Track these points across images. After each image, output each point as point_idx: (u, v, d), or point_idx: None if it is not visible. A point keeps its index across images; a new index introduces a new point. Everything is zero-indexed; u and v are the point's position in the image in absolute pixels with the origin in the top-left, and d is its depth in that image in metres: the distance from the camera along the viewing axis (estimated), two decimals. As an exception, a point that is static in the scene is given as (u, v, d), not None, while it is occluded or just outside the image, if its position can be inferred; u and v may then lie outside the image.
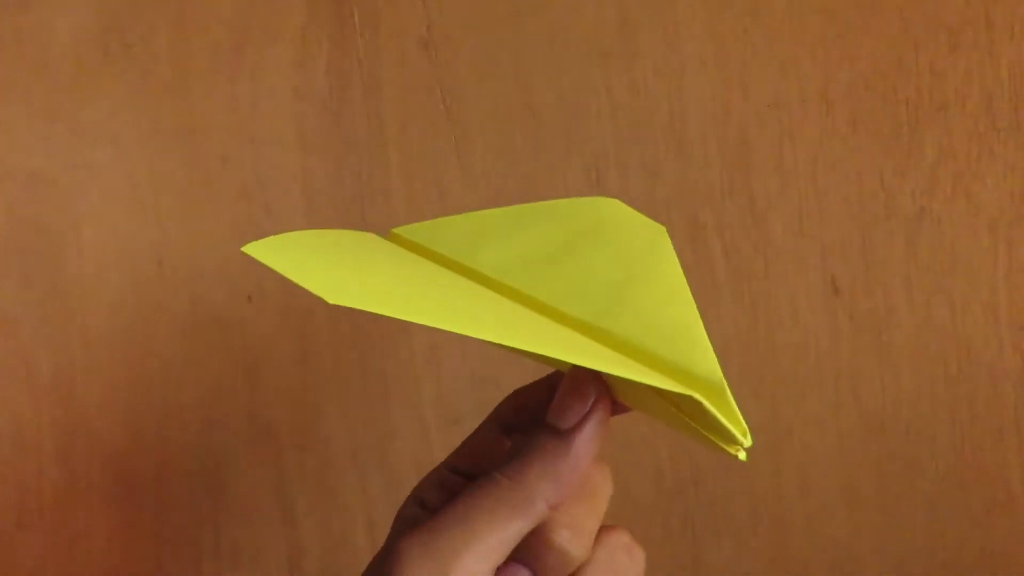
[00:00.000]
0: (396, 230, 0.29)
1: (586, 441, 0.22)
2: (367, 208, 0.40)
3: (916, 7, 0.39)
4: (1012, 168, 0.39)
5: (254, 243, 0.23)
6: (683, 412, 0.22)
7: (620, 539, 0.23)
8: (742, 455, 0.21)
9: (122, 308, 0.40)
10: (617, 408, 0.24)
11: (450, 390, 0.40)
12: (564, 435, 0.22)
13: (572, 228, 0.26)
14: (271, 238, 0.24)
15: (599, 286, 0.24)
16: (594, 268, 0.24)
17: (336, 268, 0.23)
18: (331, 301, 0.19)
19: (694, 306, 0.23)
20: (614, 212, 0.27)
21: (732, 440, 0.21)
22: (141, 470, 0.40)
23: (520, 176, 0.40)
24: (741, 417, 0.21)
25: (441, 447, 0.41)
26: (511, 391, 0.27)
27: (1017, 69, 0.39)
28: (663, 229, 0.25)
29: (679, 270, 0.24)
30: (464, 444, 0.26)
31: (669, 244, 0.25)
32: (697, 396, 0.20)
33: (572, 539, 0.22)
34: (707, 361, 0.21)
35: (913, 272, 0.40)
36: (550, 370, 0.27)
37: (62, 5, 0.40)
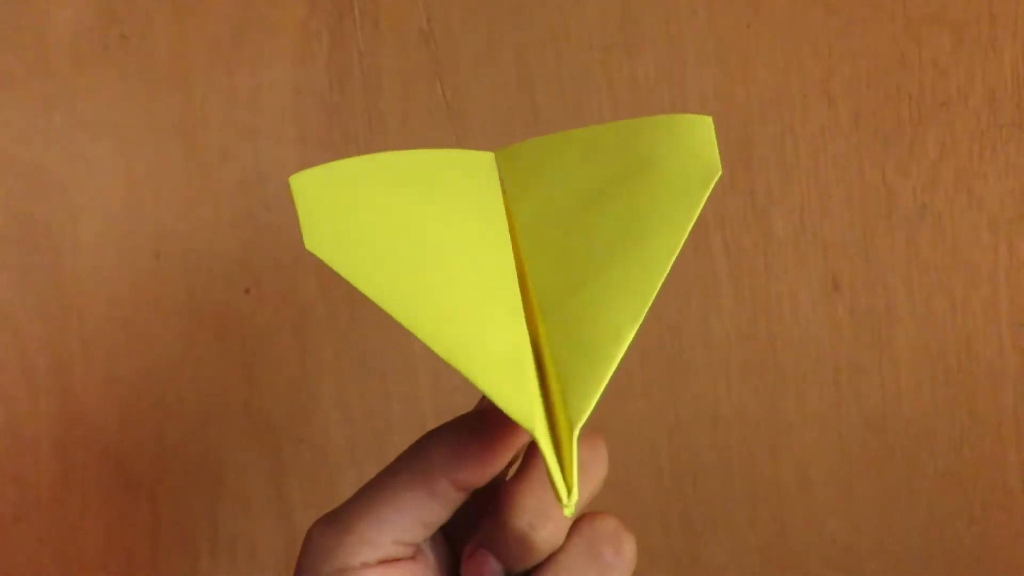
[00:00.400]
0: (500, 152, 0.27)
1: (486, 412, 0.21)
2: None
3: (919, 3, 0.39)
4: (1014, 165, 0.39)
5: (303, 173, 0.22)
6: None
7: (604, 526, 0.21)
8: (567, 512, 0.18)
9: (119, 301, 0.40)
10: None
11: (448, 384, 0.40)
12: (480, 412, 0.21)
13: (621, 164, 0.24)
14: (330, 166, 0.23)
15: (579, 258, 0.22)
16: (597, 230, 0.22)
17: (347, 213, 0.22)
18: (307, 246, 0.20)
19: (645, 306, 0.20)
20: (683, 139, 0.23)
21: (556, 492, 0.18)
22: (138, 463, 0.40)
23: (520, 171, 0.40)
24: (574, 472, 0.18)
25: (439, 442, 0.41)
26: None
27: (1021, 65, 0.39)
28: (713, 175, 0.23)
29: (678, 241, 0.22)
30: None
31: (702, 198, 0.22)
32: (536, 437, 0.18)
33: (535, 526, 0.20)
34: (586, 392, 0.18)
35: (914, 269, 0.39)
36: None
37: (61, -4, 0.40)
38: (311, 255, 0.41)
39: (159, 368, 0.40)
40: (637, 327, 0.20)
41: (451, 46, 0.40)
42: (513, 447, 0.21)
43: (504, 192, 0.26)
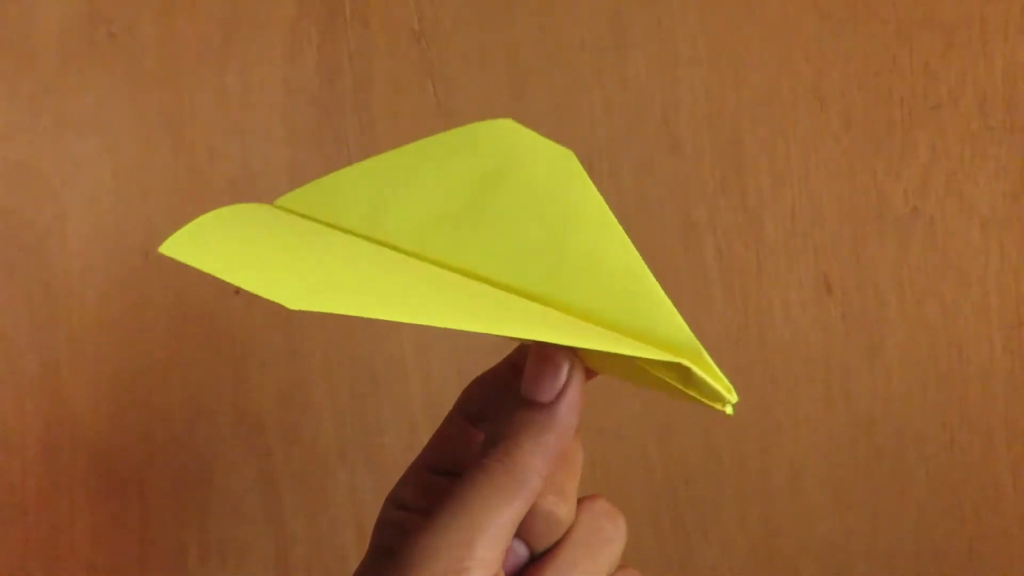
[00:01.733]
0: (280, 201, 0.26)
1: (570, 408, 0.22)
2: (357, 202, 0.40)
3: (911, 6, 0.39)
4: (1005, 168, 0.39)
5: (173, 239, 0.22)
6: (657, 376, 0.21)
7: (602, 506, 0.23)
8: (729, 410, 0.21)
9: (108, 301, 0.40)
10: (589, 374, 0.23)
11: (439, 386, 0.40)
12: (547, 407, 0.21)
13: (473, 170, 0.24)
14: (185, 230, 0.22)
15: (530, 246, 0.22)
16: (515, 222, 0.23)
17: (276, 263, 0.22)
18: (293, 307, 0.18)
19: (637, 254, 0.22)
20: (513, 140, 0.24)
21: (719, 398, 0.21)
22: (126, 465, 0.40)
23: (512, 172, 0.40)
24: (722, 374, 0.21)
25: (430, 444, 0.41)
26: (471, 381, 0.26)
27: (1011, 69, 0.39)
28: (571, 154, 0.24)
29: (605, 206, 0.23)
30: (433, 441, 0.25)
31: (583, 173, 0.23)
32: (686, 363, 0.20)
33: (558, 503, 0.22)
34: (674, 321, 0.21)
35: (905, 272, 0.40)
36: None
37: (48, -7, 0.39)
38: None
39: (148, 369, 0.40)
40: (644, 263, 0.21)
41: (442, 46, 0.40)
42: (575, 425, 0.22)
43: (325, 220, 0.25)
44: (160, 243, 0.39)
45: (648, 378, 0.21)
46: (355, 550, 0.41)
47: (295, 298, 0.19)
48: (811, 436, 0.40)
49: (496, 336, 0.21)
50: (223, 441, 0.40)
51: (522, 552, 0.22)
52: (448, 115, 0.40)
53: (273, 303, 0.41)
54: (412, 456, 0.41)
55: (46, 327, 0.40)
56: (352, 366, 0.40)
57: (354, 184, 0.25)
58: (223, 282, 0.41)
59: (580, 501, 0.23)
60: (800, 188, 0.40)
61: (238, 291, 0.40)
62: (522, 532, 0.22)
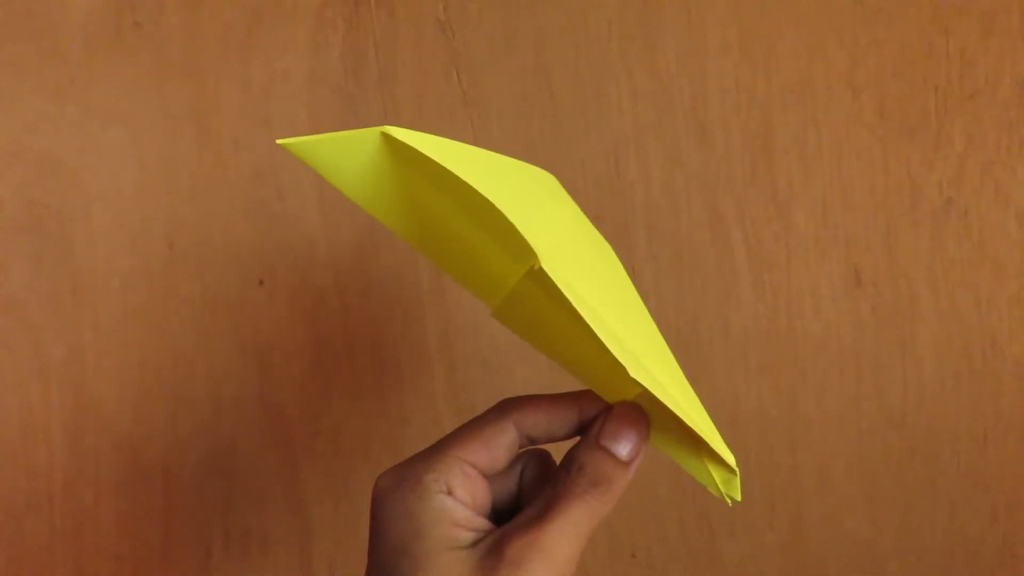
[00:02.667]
0: (389, 129, 0.24)
1: (637, 466, 0.26)
2: (381, 193, 0.40)
3: (947, -8, 0.38)
4: (1042, 159, 0.38)
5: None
6: (711, 465, 0.26)
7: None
8: (729, 503, 0.26)
9: (133, 291, 0.40)
10: None
11: (462, 378, 0.40)
12: (625, 465, 0.26)
13: (565, 214, 0.27)
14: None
15: (628, 317, 0.26)
16: (613, 288, 0.27)
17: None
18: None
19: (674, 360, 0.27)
20: (565, 197, 0.29)
21: (734, 494, 0.26)
22: (150, 454, 0.40)
23: (538, 163, 0.39)
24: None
25: (454, 436, 0.40)
26: (528, 381, 0.28)
27: (1051, 57, 0.38)
28: (607, 245, 0.29)
29: (635, 292, 0.28)
30: (478, 438, 0.27)
31: (617, 259, 0.29)
32: (735, 468, 0.25)
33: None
34: (721, 441, 0.26)
35: (938, 264, 0.39)
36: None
37: (74, -17, 0.39)
38: (325, 246, 0.41)
39: (172, 358, 0.40)
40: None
41: (468, 35, 0.39)
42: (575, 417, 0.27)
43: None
44: (185, 233, 0.39)
45: (691, 460, 0.26)
46: (378, 541, 0.40)
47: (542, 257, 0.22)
48: (841, 431, 0.39)
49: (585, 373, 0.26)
50: (247, 431, 0.40)
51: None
52: (473, 105, 0.39)
53: (296, 293, 0.41)
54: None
55: (71, 316, 0.40)
56: (376, 357, 0.40)
57: (459, 153, 0.25)
58: (247, 272, 0.41)
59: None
60: (831, 179, 0.39)
61: (262, 281, 0.40)
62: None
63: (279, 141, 0.23)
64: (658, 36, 0.39)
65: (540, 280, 0.22)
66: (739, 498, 0.26)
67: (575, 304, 0.21)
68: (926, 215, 0.39)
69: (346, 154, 0.24)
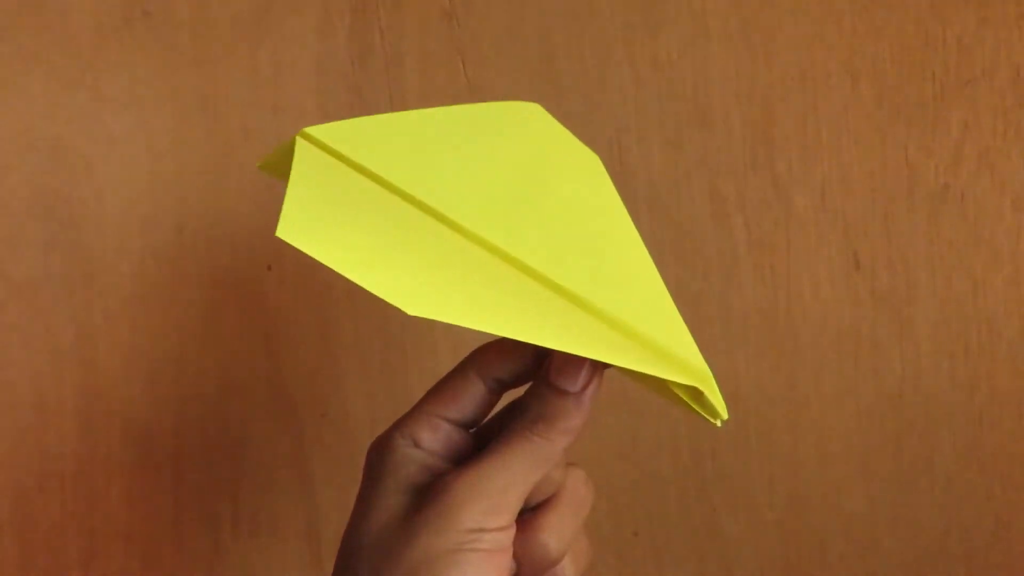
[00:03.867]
0: (310, 131, 0.27)
1: (592, 397, 0.26)
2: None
3: (944, -20, 0.38)
4: (1038, 145, 0.39)
5: (285, 223, 0.24)
6: (678, 391, 0.24)
7: (582, 474, 0.28)
8: (719, 423, 0.24)
9: (143, 276, 0.40)
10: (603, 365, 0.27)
11: (469, 361, 0.41)
12: (576, 396, 0.26)
13: (512, 155, 0.27)
14: (291, 206, 0.24)
15: (574, 249, 0.25)
16: (560, 217, 0.26)
17: (381, 259, 0.24)
18: (411, 312, 0.22)
19: (658, 275, 0.26)
20: (543, 129, 0.28)
21: (716, 415, 0.24)
22: (160, 437, 0.41)
23: (541, 148, 0.40)
24: (721, 397, 0.24)
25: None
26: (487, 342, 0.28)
27: (1046, 44, 0.38)
28: (597, 159, 0.27)
29: (629, 219, 0.26)
30: (443, 391, 0.28)
31: (608, 180, 0.27)
32: (701, 387, 0.24)
33: (557, 467, 0.27)
34: (691, 348, 0.24)
35: (935, 248, 0.39)
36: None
37: (84, -28, 0.40)
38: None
39: (182, 342, 0.40)
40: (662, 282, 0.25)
41: (473, 25, 0.40)
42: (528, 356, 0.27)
43: (373, 177, 0.27)
44: (194, 218, 0.40)
45: (657, 385, 0.25)
46: (385, 522, 0.41)
47: (414, 305, 0.21)
48: (839, 411, 0.40)
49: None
50: (255, 414, 0.41)
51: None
52: (479, 93, 0.40)
53: (304, 278, 0.42)
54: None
55: (82, 301, 0.40)
56: (383, 341, 0.41)
57: (390, 133, 0.27)
58: (255, 257, 0.41)
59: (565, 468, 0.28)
60: (830, 164, 0.40)
61: (270, 267, 0.41)
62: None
63: (259, 165, 0.25)
64: (660, 24, 0.40)
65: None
66: (723, 415, 0.24)
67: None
68: (923, 200, 0.39)
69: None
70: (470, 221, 0.25)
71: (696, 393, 0.24)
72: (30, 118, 0.39)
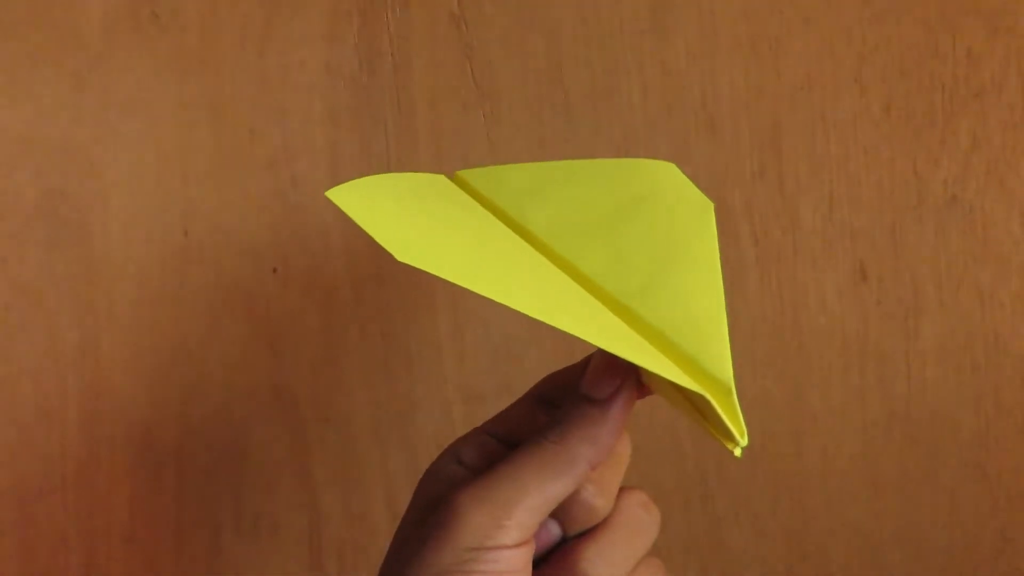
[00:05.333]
0: (461, 173, 0.30)
1: (620, 409, 0.24)
2: (394, 184, 0.40)
3: (954, -8, 0.38)
4: (1046, 157, 0.38)
5: (337, 189, 0.24)
6: (693, 403, 0.23)
7: (639, 497, 0.25)
8: (737, 452, 0.23)
9: (148, 278, 0.40)
10: (643, 389, 0.25)
11: (473, 366, 0.41)
12: (601, 404, 0.24)
13: (624, 193, 0.27)
14: (353, 183, 0.25)
15: (639, 263, 0.25)
16: (638, 242, 0.26)
17: (407, 222, 0.24)
18: (400, 259, 0.21)
19: (722, 297, 0.24)
20: (668, 179, 0.28)
21: (731, 438, 0.23)
22: (163, 440, 0.41)
23: (549, 155, 0.40)
24: (742, 418, 0.22)
25: (463, 423, 0.41)
26: (539, 370, 0.28)
27: (1056, 57, 0.38)
28: (711, 206, 0.27)
29: (716, 254, 0.25)
30: (501, 414, 0.27)
31: (713, 223, 0.26)
32: (707, 395, 0.22)
33: (597, 494, 0.24)
34: (722, 360, 0.23)
35: (943, 260, 0.39)
36: (569, 343, 0.27)
37: (93, -26, 0.40)
38: (338, 235, 0.41)
39: (186, 345, 0.40)
40: (724, 305, 0.24)
41: (482, 29, 0.40)
42: (624, 425, 0.25)
43: (488, 203, 0.29)
44: (200, 221, 0.40)
45: (685, 406, 0.24)
46: (387, 526, 0.41)
47: (404, 250, 0.21)
48: (844, 422, 0.40)
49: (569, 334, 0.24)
50: (259, 417, 0.41)
51: (556, 532, 0.25)
52: (486, 97, 0.40)
53: (309, 282, 0.42)
54: (445, 434, 0.41)
55: (87, 302, 0.40)
56: (386, 345, 0.41)
57: (525, 175, 0.29)
58: (261, 261, 0.41)
59: (620, 491, 0.25)
60: (838, 174, 0.39)
61: (276, 270, 0.41)
62: (559, 514, 0.24)
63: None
64: (669, 32, 0.40)
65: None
66: (742, 440, 0.22)
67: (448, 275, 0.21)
68: (931, 212, 0.39)
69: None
70: (542, 233, 0.26)
71: (704, 405, 0.23)
72: (37, 119, 0.40)
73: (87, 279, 0.40)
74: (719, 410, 0.22)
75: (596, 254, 0.26)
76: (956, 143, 0.39)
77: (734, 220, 0.40)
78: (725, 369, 0.23)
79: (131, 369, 0.40)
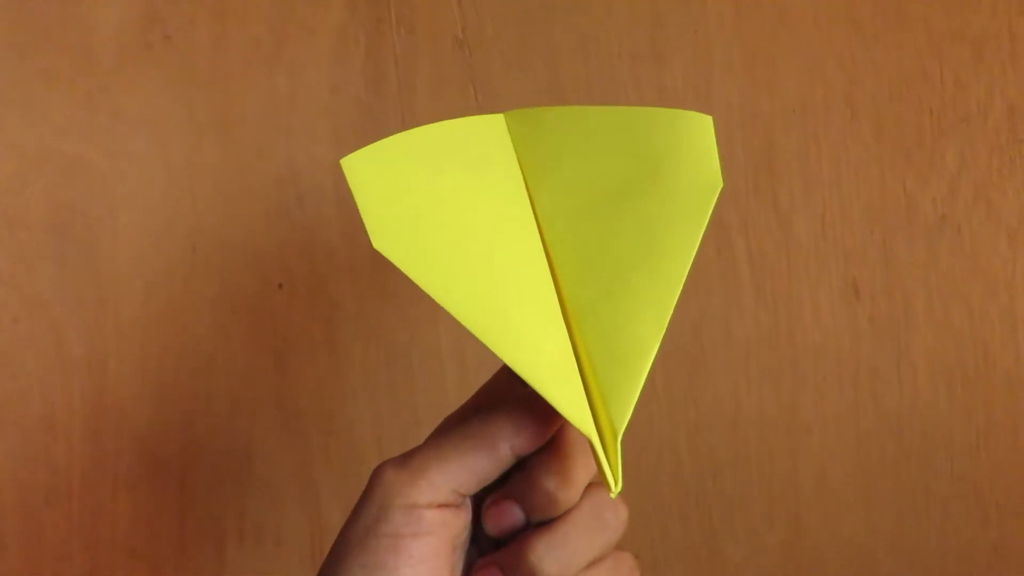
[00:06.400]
0: (511, 114, 0.29)
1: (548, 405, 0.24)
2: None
3: (941, 19, 0.39)
4: (1032, 179, 0.39)
5: (352, 156, 0.24)
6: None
7: (605, 495, 0.25)
8: (612, 495, 0.23)
9: (155, 293, 0.41)
10: None
11: (475, 380, 0.41)
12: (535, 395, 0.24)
13: (640, 162, 0.26)
14: (380, 145, 0.25)
15: (607, 264, 0.25)
16: (623, 231, 0.25)
17: (405, 204, 0.24)
18: (375, 245, 0.21)
19: (667, 317, 0.24)
20: (692, 141, 0.26)
21: (606, 481, 0.22)
22: (168, 452, 0.41)
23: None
24: (619, 467, 0.22)
25: (465, 436, 0.41)
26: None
27: (1039, 81, 0.39)
28: (717, 186, 0.25)
29: (694, 248, 0.25)
30: (465, 462, 0.25)
31: (710, 208, 0.25)
32: (591, 438, 0.22)
33: (560, 486, 0.24)
34: (625, 405, 0.23)
35: (933, 277, 0.40)
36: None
37: (107, -4, 0.41)
38: (343, 252, 0.42)
39: (192, 359, 0.41)
40: (660, 340, 0.23)
41: (484, 52, 0.41)
42: (558, 425, 0.25)
43: (520, 162, 0.28)
44: (208, 237, 0.40)
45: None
46: (388, 539, 0.41)
47: (382, 238, 0.21)
48: (838, 436, 0.40)
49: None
50: (263, 430, 0.41)
51: (519, 516, 0.25)
52: (488, 119, 0.41)
53: (314, 297, 0.42)
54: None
55: (95, 316, 0.40)
56: (389, 358, 0.41)
57: (561, 124, 0.28)
58: (267, 276, 0.42)
59: (588, 487, 0.25)
60: (831, 193, 0.40)
61: (281, 285, 0.41)
62: (521, 501, 0.25)
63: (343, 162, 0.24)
64: (665, 56, 0.41)
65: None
66: (615, 486, 0.22)
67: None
68: (921, 230, 0.40)
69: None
70: (544, 212, 0.26)
71: (592, 445, 0.22)
72: (49, 136, 0.40)
73: (95, 293, 0.40)
74: (598, 452, 0.22)
75: (576, 249, 0.25)
76: (944, 164, 0.40)
77: (729, 237, 0.41)
78: (622, 415, 0.22)
79: (137, 382, 0.40)
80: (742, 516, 0.41)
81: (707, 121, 0.26)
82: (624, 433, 0.22)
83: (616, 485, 0.22)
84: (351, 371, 0.41)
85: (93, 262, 0.40)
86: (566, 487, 0.24)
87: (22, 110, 0.40)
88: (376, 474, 0.24)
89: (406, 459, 0.24)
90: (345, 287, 0.41)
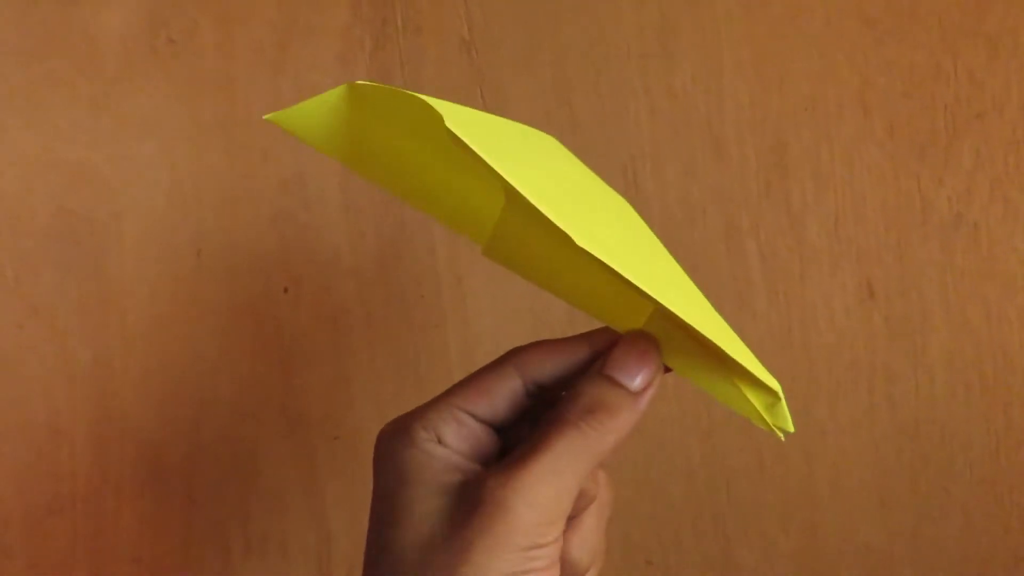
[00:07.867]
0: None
1: (648, 401, 0.23)
2: (405, 207, 0.41)
3: (955, 15, 0.39)
4: (1049, 176, 0.39)
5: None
6: (751, 393, 0.23)
7: (604, 477, 0.26)
8: (782, 436, 0.23)
9: (160, 298, 0.41)
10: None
11: (483, 385, 0.41)
12: (635, 396, 0.23)
13: (565, 166, 0.25)
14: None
15: (649, 256, 0.24)
16: (628, 231, 0.24)
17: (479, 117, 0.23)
18: (449, 125, 0.20)
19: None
20: (570, 157, 0.27)
21: (785, 428, 0.23)
22: (173, 459, 0.41)
23: (557, 175, 0.41)
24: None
25: (473, 442, 0.41)
26: (534, 340, 0.26)
27: (1056, 77, 0.39)
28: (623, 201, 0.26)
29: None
30: (476, 384, 0.25)
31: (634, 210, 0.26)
32: (779, 391, 0.22)
33: (593, 482, 0.25)
34: (757, 362, 0.23)
35: (949, 277, 0.40)
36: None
37: (110, 1, 0.41)
38: (349, 256, 0.42)
39: (197, 364, 0.41)
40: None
41: (491, 54, 0.41)
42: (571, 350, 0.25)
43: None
44: (213, 241, 0.40)
45: (724, 388, 0.23)
46: (396, 547, 0.41)
47: (460, 124, 0.20)
48: (854, 440, 0.40)
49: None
50: (268, 437, 0.41)
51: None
52: (495, 120, 0.41)
53: (319, 302, 0.42)
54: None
55: (99, 323, 0.40)
56: (396, 366, 0.41)
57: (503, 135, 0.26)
58: (272, 281, 0.41)
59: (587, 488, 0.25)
60: (843, 193, 0.40)
61: (286, 290, 0.41)
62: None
63: (266, 117, 0.24)
64: (675, 55, 0.40)
65: (518, 202, 0.20)
66: (791, 428, 0.23)
67: (554, 218, 0.19)
68: (936, 229, 0.40)
69: (322, 115, 0.24)
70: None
71: (773, 400, 0.23)
72: (54, 141, 0.40)
73: (100, 299, 0.40)
74: (785, 409, 0.23)
75: (618, 237, 0.23)
76: (959, 162, 0.39)
77: (741, 239, 0.40)
78: (764, 372, 0.23)
79: (142, 388, 0.40)
80: (756, 523, 0.41)
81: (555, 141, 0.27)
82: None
83: (791, 428, 0.23)
84: (357, 376, 0.41)
85: (98, 267, 0.40)
86: (594, 481, 0.25)
87: (26, 115, 0.40)
88: (510, 510, 0.22)
89: (531, 491, 0.22)
90: (351, 292, 0.41)
